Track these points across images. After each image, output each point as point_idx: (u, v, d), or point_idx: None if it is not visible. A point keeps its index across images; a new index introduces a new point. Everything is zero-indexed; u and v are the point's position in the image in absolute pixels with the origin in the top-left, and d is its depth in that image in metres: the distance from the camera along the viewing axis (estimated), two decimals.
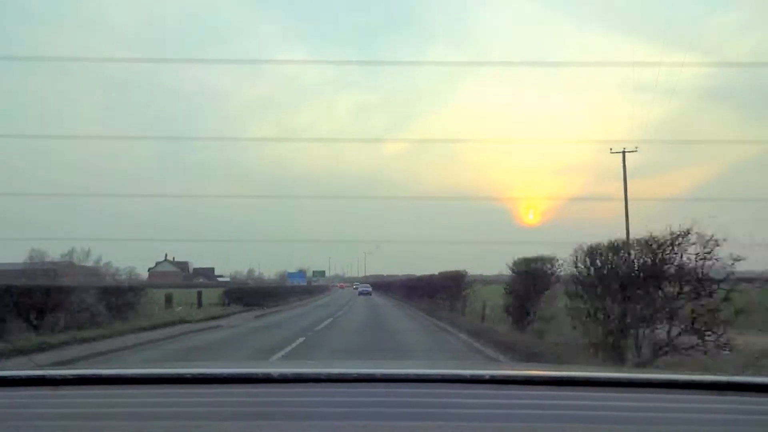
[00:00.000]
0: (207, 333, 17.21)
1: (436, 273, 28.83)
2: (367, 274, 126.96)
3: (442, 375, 1.46)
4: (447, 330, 17.01)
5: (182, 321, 19.58)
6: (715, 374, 1.52)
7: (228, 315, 24.72)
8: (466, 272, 22.56)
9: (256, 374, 1.40)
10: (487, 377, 1.40)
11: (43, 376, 1.38)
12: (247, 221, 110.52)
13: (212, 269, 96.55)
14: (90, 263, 49.61)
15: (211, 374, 1.45)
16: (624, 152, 32.76)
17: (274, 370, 1.39)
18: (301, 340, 14.14)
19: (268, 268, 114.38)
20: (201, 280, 74.13)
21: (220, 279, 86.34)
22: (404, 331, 17.51)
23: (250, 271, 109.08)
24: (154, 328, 16.98)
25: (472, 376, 1.43)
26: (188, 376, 1.40)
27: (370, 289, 62.53)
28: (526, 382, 1.43)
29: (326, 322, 20.23)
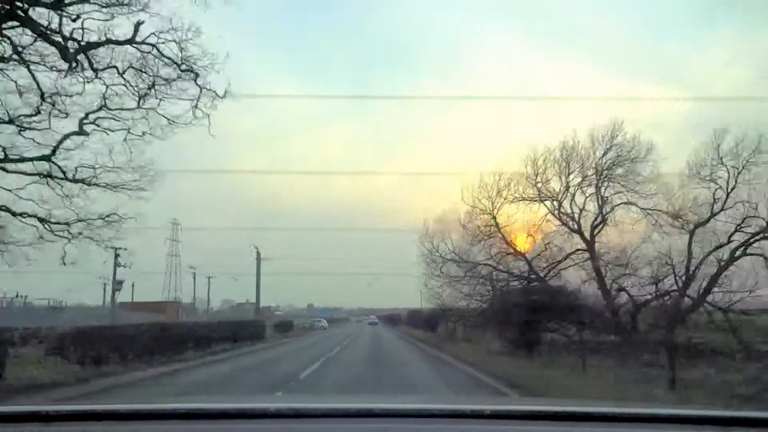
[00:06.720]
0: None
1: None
2: (362, 307, 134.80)
3: (442, 410, 1.44)
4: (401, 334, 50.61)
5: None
6: (718, 409, 1.51)
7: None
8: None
9: (253, 410, 1.37)
10: (488, 412, 1.38)
11: (35, 412, 1.34)
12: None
13: (269, 306, 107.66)
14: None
15: (206, 409, 1.43)
16: None
17: (271, 405, 1.37)
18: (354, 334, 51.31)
19: (278, 302, 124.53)
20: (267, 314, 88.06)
21: (276, 313, 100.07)
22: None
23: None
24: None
25: (472, 411, 1.42)
26: (183, 411, 1.38)
27: (377, 320, 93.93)
28: (527, 417, 1.42)
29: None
